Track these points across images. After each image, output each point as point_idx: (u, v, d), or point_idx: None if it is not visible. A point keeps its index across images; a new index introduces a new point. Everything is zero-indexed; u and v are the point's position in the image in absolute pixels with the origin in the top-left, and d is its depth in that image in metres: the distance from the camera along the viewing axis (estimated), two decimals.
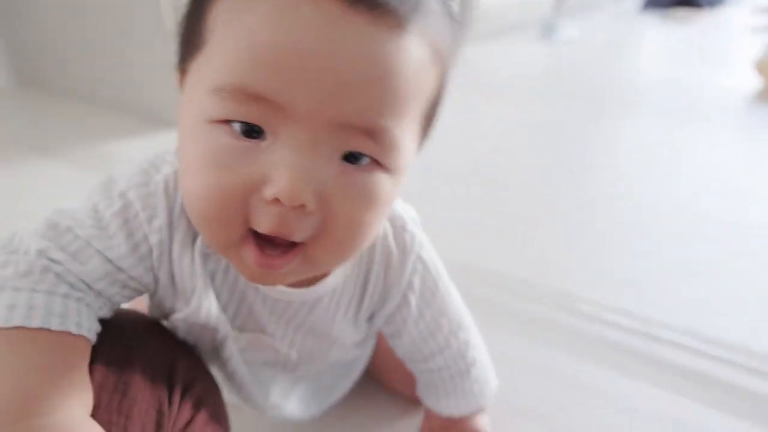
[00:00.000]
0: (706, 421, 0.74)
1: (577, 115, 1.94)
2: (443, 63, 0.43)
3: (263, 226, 0.39)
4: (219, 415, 0.54)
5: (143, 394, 0.47)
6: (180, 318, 0.52)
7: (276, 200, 0.38)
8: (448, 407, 0.66)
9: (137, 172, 0.48)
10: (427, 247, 0.56)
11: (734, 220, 1.23)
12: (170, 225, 0.48)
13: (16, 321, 0.41)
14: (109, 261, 0.47)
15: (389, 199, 0.43)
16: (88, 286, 0.46)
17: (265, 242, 0.41)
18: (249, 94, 0.37)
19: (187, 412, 0.50)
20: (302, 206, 0.38)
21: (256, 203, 0.39)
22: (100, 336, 0.47)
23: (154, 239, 0.47)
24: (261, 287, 0.51)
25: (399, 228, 0.54)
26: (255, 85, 0.37)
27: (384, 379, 0.78)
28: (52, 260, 0.45)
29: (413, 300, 0.55)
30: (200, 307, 0.50)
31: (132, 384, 0.47)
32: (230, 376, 0.58)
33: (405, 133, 0.41)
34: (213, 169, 0.39)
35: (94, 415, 0.43)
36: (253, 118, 0.38)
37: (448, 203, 1.31)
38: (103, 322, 0.48)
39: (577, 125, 1.85)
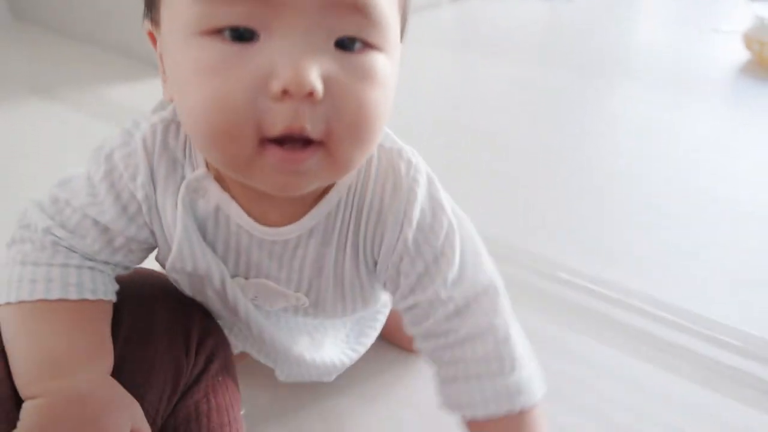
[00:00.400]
0: (677, 389, 0.79)
1: (574, 78, 1.93)
2: None
3: (277, 126, 0.38)
4: (229, 365, 0.59)
5: (164, 346, 0.53)
6: (170, 266, 0.53)
7: (284, 93, 0.37)
8: (472, 401, 0.52)
9: (120, 133, 0.50)
10: (425, 179, 0.52)
11: (713, 198, 1.25)
12: (152, 178, 0.50)
13: (39, 294, 0.48)
14: (105, 228, 0.50)
15: (388, 78, 0.43)
16: (94, 258, 0.52)
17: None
18: None
19: (202, 361, 0.55)
20: (311, 94, 0.37)
21: (264, 105, 0.38)
22: (126, 293, 0.53)
23: (140, 195, 0.50)
24: (255, 232, 0.51)
25: (395, 155, 0.52)
26: None
27: (392, 336, 0.80)
28: (57, 237, 0.50)
29: (410, 233, 0.51)
30: (182, 250, 0.51)
31: (154, 336, 0.53)
32: (248, 330, 0.59)
33: (388, 6, 0.41)
34: (213, 77, 0.38)
35: (121, 365, 0.50)
36: (242, 19, 0.38)
37: (442, 159, 1.30)
38: (127, 281, 0.55)
39: (575, 89, 1.85)
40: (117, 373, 0.50)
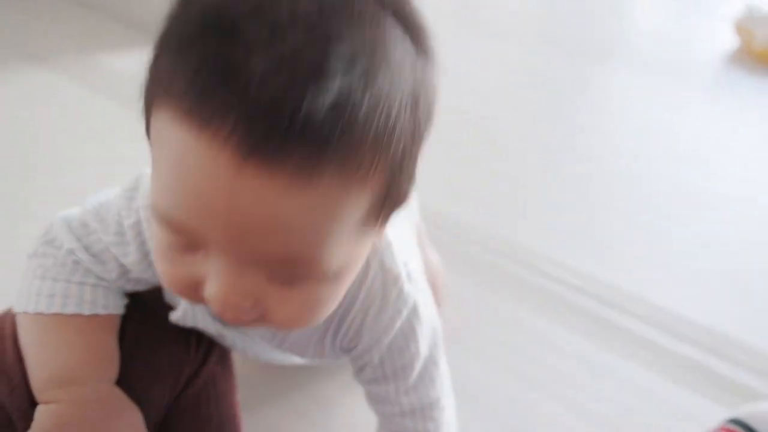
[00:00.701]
0: (676, 393, 0.81)
1: (570, 66, 1.92)
2: (391, 160, 0.38)
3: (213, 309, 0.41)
4: (226, 356, 0.63)
5: (169, 344, 0.59)
6: (173, 319, 0.57)
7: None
8: None
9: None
10: (410, 309, 0.54)
11: (708, 197, 1.26)
12: None
13: (55, 309, 0.52)
14: (123, 265, 0.54)
15: (334, 296, 0.43)
16: (110, 281, 0.56)
17: None
18: (174, 224, 0.38)
19: (201, 355, 0.60)
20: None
21: (203, 293, 0.40)
22: (135, 301, 0.58)
23: None
24: None
25: (390, 281, 0.53)
26: (176, 218, 0.38)
27: None
28: (80, 258, 0.54)
29: (377, 355, 0.55)
30: (185, 316, 0.56)
31: (160, 337, 0.59)
32: (246, 356, 0.63)
33: (336, 249, 0.38)
34: (162, 258, 0.42)
35: (130, 366, 0.55)
36: (183, 242, 0.39)
37: (442, 156, 1.30)
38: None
39: (571, 77, 1.84)
40: (126, 372, 0.55)
